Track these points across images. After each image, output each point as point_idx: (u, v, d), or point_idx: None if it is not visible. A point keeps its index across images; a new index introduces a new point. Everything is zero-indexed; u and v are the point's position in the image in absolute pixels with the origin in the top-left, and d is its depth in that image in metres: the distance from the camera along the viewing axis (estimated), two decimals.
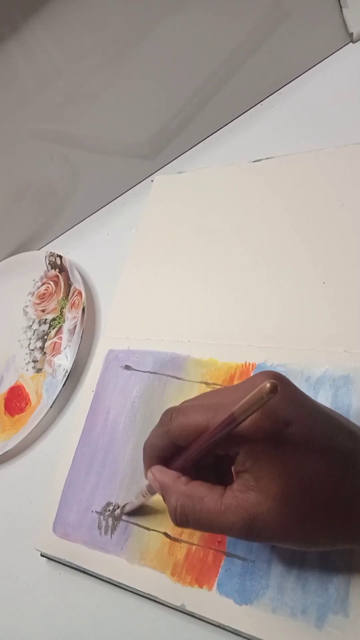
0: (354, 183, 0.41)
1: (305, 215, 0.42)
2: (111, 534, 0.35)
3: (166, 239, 0.48)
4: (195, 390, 0.38)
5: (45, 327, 0.52)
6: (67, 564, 0.36)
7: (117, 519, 0.36)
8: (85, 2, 0.43)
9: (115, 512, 0.36)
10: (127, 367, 0.42)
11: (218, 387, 0.37)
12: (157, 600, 0.32)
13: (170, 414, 0.26)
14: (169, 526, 0.33)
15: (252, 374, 0.36)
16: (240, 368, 0.37)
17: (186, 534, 0.33)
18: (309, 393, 0.33)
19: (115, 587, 0.34)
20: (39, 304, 0.54)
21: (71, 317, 0.50)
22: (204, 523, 0.24)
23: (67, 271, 0.53)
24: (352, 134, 0.44)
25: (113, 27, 0.45)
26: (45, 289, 0.55)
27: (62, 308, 0.52)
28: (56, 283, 0.54)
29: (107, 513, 0.36)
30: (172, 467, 0.27)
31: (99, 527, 0.36)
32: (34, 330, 0.53)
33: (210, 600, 0.30)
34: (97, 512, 0.37)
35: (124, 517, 0.35)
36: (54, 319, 0.52)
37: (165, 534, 0.33)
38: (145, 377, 0.40)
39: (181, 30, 0.47)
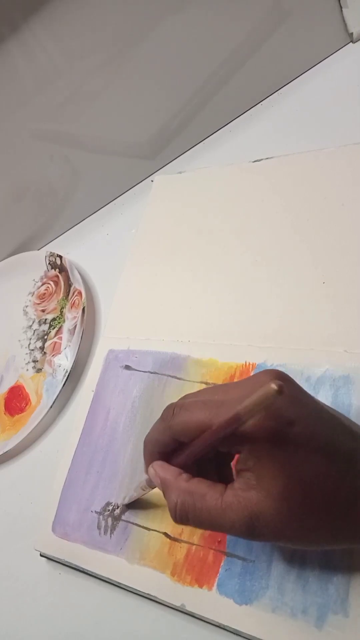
0: (354, 183, 0.41)
1: (305, 215, 0.42)
2: (111, 534, 0.35)
3: (166, 239, 0.48)
4: (195, 390, 0.37)
5: (45, 327, 0.52)
6: (66, 564, 0.36)
7: (116, 518, 0.36)
8: (85, 2, 0.43)
9: (115, 512, 0.36)
10: (127, 367, 0.42)
11: None
12: (157, 600, 0.32)
13: (172, 409, 0.26)
14: (168, 526, 0.33)
15: (252, 374, 0.36)
16: (240, 368, 0.37)
17: (186, 534, 0.33)
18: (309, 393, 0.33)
19: (115, 587, 0.34)
20: (39, 304, 0.54)
21: (71, 317, 0.50)
22: (204, 521, 0.24)
23: (67, 271, 0.53)
24: (352, 134, 0.44)
25: (113, 27, 0.45)
26: (45, 289, 0.55)
27: (62, 308, 0.52)
28: (56, 283, 0.54)
29: (107, 513, 0.36)
30: (173, 462, 0.27)
31: (99, 527, 0.36)
32: (34, 330, 0.53)
33: (210, 600, 0.30)
34: (96, 512, 0.36)
35: (122, 517, 0.35)
36: (54, 319, 0.52)
37: (165, 534, 0.33)
38: (145, 377, 0.40)
39: (181, 30, 0.47)
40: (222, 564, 0.31)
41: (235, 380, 0.36)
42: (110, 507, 0.36)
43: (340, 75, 0.50)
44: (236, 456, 0.25)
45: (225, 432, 0.23)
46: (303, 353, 0.35)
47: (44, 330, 0.52)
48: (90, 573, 0.35)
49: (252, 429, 0.23)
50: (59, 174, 0.55)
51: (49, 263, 0.56)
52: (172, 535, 0.33)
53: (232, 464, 0.28)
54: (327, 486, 0.23)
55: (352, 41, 0.51)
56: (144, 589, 0.32)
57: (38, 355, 0.51)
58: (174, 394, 0.38)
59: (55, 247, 0.60)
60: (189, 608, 0.31)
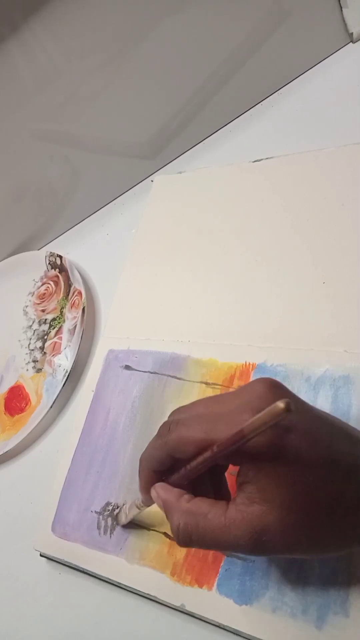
0: (354, 183, 0.41)
1: (305, 215, 0.42)
2: (110, 533, 0.35)
3: (166, 239, 0.48)
4: (195, 390, 0.38)
5: (45, 327, 0.52)
6: (66, 564, 0.36)
7: (116, 518, 0.36)
8: (85, 2, 0.43)
9: (115, 512, 0.36)
10: (127, 367, 0.42)
11: (218, 387, 0.37)
12: (157, 600, 0.32)
13: (168, 425, 0.26)
14: (168, 526, 0.33)
15: (252, 374, 0.36)
16: (240, 368, 0.37)
17: None
18: (309, 393, 0.33)
19: (115, 587, 0.34)
20: (39, 304, 0.54)
21: (71, 317, 0.50)
22: (208, 540, 0.24)
23: (67, 271, 0.53)
24: (352, 134, 0.44)
25: (113, 27, 0.45)
26: (45, 289, 0.55)
27: (62, 308, 0.52)
28: (56, 283, 0.54)
29: (107, 513, 0.36)
30: (170, 481, 0.26)
31: (99, 527, 0.36)
32: (34, 330, 0.53)
33: (210, 600, 0.30)
34: (96, 512, 0.36)
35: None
36: (54, 319, 0.52)
37: (165, 534, 0.33)
38: (145, 377, 0.40)
39: (181, 30, 0.47)
40: (222, 564, 0.31)
41: (235, 380, 0.36)
42: (110, 507, 0.36)
43: (340, 75, 0.50)
44: (229, 465, 0.25)
45: (230, 450, 0.23)
46: (303, 353, 0.35)
47: (44, 330, 0.52)
48: (90, 573, 0.35)
49: (250, 442, 0.22)
50: (59, 174, 0.55)
51: (49, 263, 0.56)
52: (172, 535, 0.33)
53: (226, 473, 0.28)
54: (330, 491, 0.23)
55: (352, 41, 0.51)
56: (144, 589, 0.32)
57: (38, 355, 0.51)
58: (174, 394, 0.38)
59: (55, 247, 0.60)
60: (188, 608, 0.31)
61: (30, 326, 0.53)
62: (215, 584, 0.30)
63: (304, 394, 0.33)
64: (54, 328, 0.51)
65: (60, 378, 0.47)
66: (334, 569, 0.28)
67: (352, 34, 0.51)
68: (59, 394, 0.46)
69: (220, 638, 0.30)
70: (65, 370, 0.47)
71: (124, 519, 0.34)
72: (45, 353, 0.50)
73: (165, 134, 0.54)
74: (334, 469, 0.23)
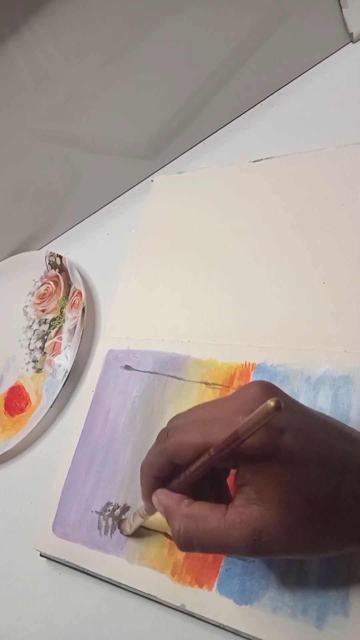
0: (354, 183, 0.41)
1: (305, 215, 0.42)
2: (111, 534, 0.35)
3: (166, 239, 0.48)
4: (195, 390, 0.38)
5: (45, 327, 0.52)
6: (66, 564, 0.36)
7: (116, 518, 0.36)
8: (85, 2, 0.43)
9: (115, 512, 0.36)
10: (127, 367, 0.42)
11: (218, 387, 0.37)
12: (157, 600, 0.32)
13: (166, 432, 0.26)
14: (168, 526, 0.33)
15: (252, 374, 0.36)
16: (240, 368, 0.37)
17: None
18: (309, 393, 0.33)
19: (115, 587, 0.34)
20: (39, 304, 0.54)
21: (71, 317, 0.50)
22: (208, 543, 0.24)
23: (67, 271, 0.53)
24: (352, 134, 0.44)
25: (113, 27, 0.45)
26: (45, 289, 0.55)
27: (62, 308, 0.52)
28: (56, 283, 0.54)
29: (107, 513, 0.36)
30: (171, 487, 0.26)
31: (99, 527, 0.36)
32: (34, 330, 0.53)
33: (210, 600, 0.30)
34: (96, 512, 0.36)
35: (123, 517, 0.35)
36: (54, 319, 0.52)
37: (165, 534, 0.33)
38: (145, 377, 0.40)
39: (181, 30, 0.47)
40: (222, 564, 0.31)
41: (235, 380, 0.37)
42: (111, 507, 0.36)
43: (340, 75, 0.50)
44: (232, 470, 0.25)
45: (225, 452, 0.23)
46: (303, 353, 0.35)
47: (44, 330, 0.52)
48: (90, 573, 0.35)
49: (245, 444, 0.22)
50: (59, 174, 0.55)
51: (49, 263, 0.56)
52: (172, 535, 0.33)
53: (228, 479, 0.28)
54: (327, 489, 0.23)
55: (352, 41, 0.51)
56: (144, 589, 0.32)
57: (38, 355, 0.51)
58: (174, 394, 0.38)
59: (55, 247, 0.60)
60: (189, 608, 0.31)
61: (30, 326, 0.53)
62: (215, 584, 0.30)
63: (304, 394, 0.33)
64: (54, 328, 0.51)
65: (60, 378, 0.47)
66: (334, 569, 0.28)
67: (352, 34, 0.51)
68: (59, 394, 0.46)
69: (220, 638, 0.30)
70: (65, 370, 0.47)
71: (128, 529, 0.34)
72: (45, 353, 0.50)
73: (165, 134, 0.54)
74: (329, 467, 0.23)
